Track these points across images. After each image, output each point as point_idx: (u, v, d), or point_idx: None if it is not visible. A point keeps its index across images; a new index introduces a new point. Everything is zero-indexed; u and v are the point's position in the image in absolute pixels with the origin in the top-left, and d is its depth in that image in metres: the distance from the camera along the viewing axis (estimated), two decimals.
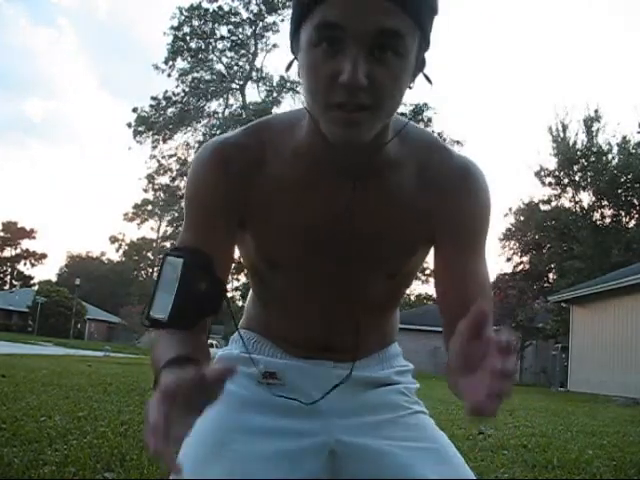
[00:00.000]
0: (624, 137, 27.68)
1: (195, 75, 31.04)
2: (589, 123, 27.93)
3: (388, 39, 0.76)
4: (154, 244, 61.68)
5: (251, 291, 1.12)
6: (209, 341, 1.04)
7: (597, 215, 28.05)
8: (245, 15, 30.83)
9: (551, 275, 29.28)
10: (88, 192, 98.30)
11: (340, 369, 1.02)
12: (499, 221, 30.99)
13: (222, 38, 31.05)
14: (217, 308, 0.91)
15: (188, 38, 30.54)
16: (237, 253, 1.09)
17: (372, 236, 0.95)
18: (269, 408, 0.98)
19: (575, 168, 27.96)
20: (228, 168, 0.93)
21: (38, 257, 64.78)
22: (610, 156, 27.74)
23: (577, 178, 28.25)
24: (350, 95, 0.77)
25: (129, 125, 30.72)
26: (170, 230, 37.92)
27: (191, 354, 0.77)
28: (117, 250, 66.26)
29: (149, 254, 64.21)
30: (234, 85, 31.60)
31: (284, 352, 1.04)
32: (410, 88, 0.86)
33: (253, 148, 0.94)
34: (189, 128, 30.76)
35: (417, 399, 1.09)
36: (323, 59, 0.78)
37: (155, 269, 63.96)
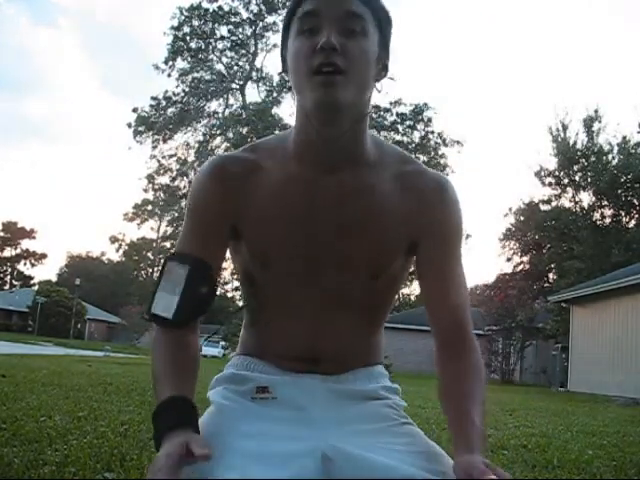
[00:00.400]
0: (624, 137, 27.72)
1: (195, 75, 31.04)
2: (589, 123, 27.94)
3: (353, 20, 0.96)
4: (154, 244, 61.64)
5: (244, 317, 1.19)
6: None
7: (597, 215, 28.07)
8: (245, 15, 30.83)
9: (551, 275, 29.30)
10: (88, 192, 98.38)
11: (330, 382, 1.07)
12: (499, 221, 31.08)
13: (222, 38, 31.04)
14: (209, 307, 1.06)
15: (188, 38, 30.54)
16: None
17: (355, 228, 1.03)
18: (264, 418, 1.01)
19: (575, 168, 27.98)
20: (225, 179, 1.05)
21: (38, 257, 64.83)
22: (610, 156, 27.75)
23: (577, 178, 28.27)
24: (327, 56, 0.93)
25: (129, 125, 30.73)
26: (170, 230, 37.89)
27: (185, 390, 0.94)
28: (117, 250, 66.31)
29: (149, 254, 64.18)
30: (234, 85, 31.60)
31: (276, 367, 1.09)
32: (378, 91, 1.03)
33: (249, 160, 1.07)
34: (189, 128, 30.76)
35: (406, 415, 1.12)
36: (305, 42, 0.96)
37: (155, 269, 63.89)
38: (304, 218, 1.02)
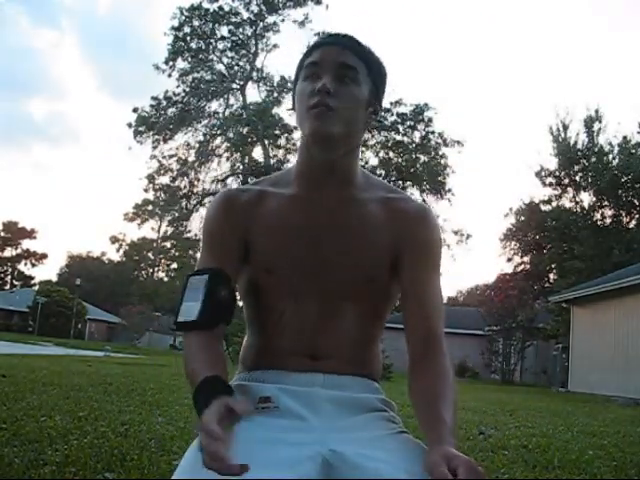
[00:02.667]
0: (625, 137, 27.71)
1: (195, 75, 31.03)
2: (590, 123, 27.93)
3: (346, 70, 1.15)
4: (154, 244, 61.62)
5: (246, 334, 1.26)
6: None
7: (598, 215, 28.06)
8: (245, 15, 30.82)
9: (552, 275, 29.28)
10: (88, 192, 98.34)
11: (330, 388, 1.12)
12: (499, 221, 31.07)
13: (222, 38, 31.04)
14: (231, 315, 1.15)
15: (189, 38, 30.53)
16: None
17: (350, 235, 1.17)
18: (266, 427, 1.05)
19: (576, 168, 27.97)
20: (235, 204, 1.22)
21: (38, 257, 64.83)
22: (611, 156, 27.73)
23: (578, 178, 28.25)
24: (322, 98, 1.11)
25: (129, 125, 30.72)
26: (170, 230, 37.79)
27: (217, 372, 1.02)
28: (117, 250, 66.22)
29: (149, 254, 64.15)
30: (234, 85, 31.60)
31: (278, 371, 1.14)
32: (367, 130, 1.24)
33: (254, 189, 1.25)
34: (190, 128, 30.73)
35: (402, 427, 1.15)
36: (308, 85, 1.15)
37: (156, 269, 63.95)
38: (304, 229, 1.17)
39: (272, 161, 28.70)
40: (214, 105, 31.49)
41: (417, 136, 29.50)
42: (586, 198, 28.42)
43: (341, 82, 1.14)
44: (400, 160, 29.40)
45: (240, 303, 1.28)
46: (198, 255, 1.30)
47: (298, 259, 1.16)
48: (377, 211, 1.20)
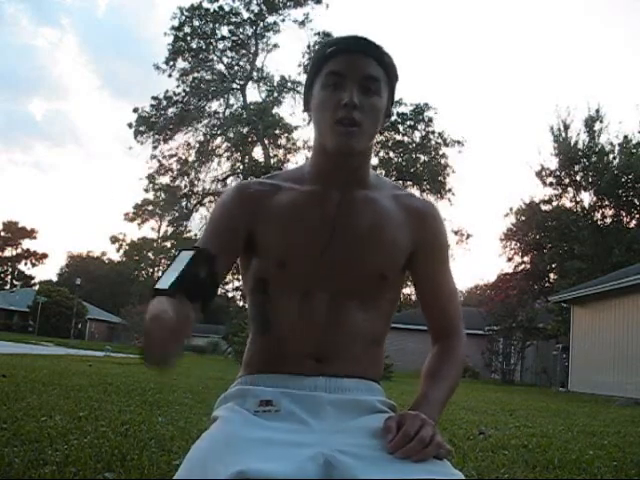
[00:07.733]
0: (625, 137, 27.64)
1: (196, 75, 31.08)
2: (591, 123, 27.88)
3: (370, 82, 1.16)
4: (155, 244, 61.57)
5: (250, 334, 1.25)
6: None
7: (598, 215, 28.01)
8: (246, 15, 30.88)
9: (552, 275, 29.24)
10: (89, 192, 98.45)
11: (333, 391, 1.12)
12: (499, 221, 31.03)
13: (223, 38, 31.09)
14: (208, 298, 1.05)
15: (189, 38, 30.57)
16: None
17: (366, 233, 1.19)
18: (267, 428, 1.04)
19: (576, 168, 27.92)
20: (246, 195, 1.24)
21: (39, 257, 64.88)
22: (611, 156, 27.67)
23: (578, 178, 28.21)
24: (348, 112, 1.13)
25: (130, 125, 30.75)
26: (170, 230, 37.83)
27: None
28: (118, 250, 66.23)
29: (150, 254, 64.09)
30: (235, 85, 31.62)
31: (281, 374, 1.14)
32: (381, 133, 1.35)
33: (269, 183, 1.26)
34: (190, 128, 30.78)
35: None
36: (331, 95, 1.16)
37: (156, 269, 63.91)
38: (318, 226, 1.18)
39: (272, 161, 28.71)
40: (214, 105, 31.56)
41: (417, 136, 29.54)
42: (586, 198, 28.39)
43: (365, 94, 1.15)
44: (400, 160, 29.43)
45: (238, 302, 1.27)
46: None
47: (312, 255, 1.17)
48: (389, 207, 1.23)
